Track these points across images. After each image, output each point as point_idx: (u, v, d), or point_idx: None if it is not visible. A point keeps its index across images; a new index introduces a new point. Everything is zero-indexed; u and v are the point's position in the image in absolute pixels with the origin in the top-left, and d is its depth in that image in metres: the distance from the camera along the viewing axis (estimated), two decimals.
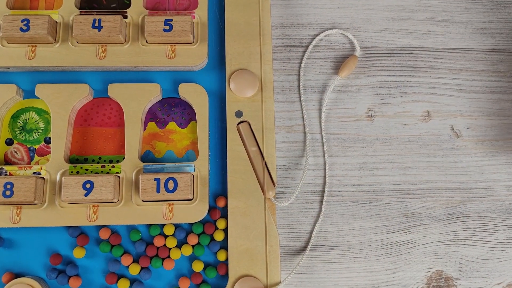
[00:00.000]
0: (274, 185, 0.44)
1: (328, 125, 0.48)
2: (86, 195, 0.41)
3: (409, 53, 0.51)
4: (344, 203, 0.47)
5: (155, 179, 0.42)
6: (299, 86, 0.48)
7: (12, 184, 0.41)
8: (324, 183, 0.47)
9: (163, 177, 0.42)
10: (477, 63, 0.51)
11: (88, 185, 0.41)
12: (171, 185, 0.42)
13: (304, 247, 0.45)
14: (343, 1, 0.52)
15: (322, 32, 0.50)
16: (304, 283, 0.45)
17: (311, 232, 0.46)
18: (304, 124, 0.47)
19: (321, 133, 0.48)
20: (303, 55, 0.49)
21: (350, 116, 0.49)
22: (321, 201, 0.46)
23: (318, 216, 0.46)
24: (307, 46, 0.50)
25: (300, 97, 0.48)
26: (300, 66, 0.48)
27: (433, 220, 0.47)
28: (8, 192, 0.41)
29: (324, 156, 0.47)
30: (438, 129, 0.49)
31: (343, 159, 0.47)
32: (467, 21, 0.52)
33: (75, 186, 0.41)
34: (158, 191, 0.41)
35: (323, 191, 0.47)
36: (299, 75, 0.48)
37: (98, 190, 0.41)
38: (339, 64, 0.50)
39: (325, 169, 0.47)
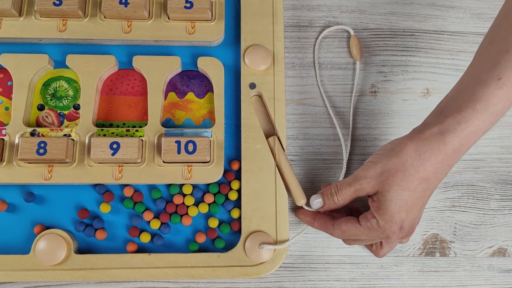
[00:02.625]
0: (304, 195, 0.47)
1: (334, 99, 0.52)
2: (112, 154, 0.45)
3: (411, 35, 0.54)
4: (349, 171, 0.50)
5: (176, 142, 0.45)
6: (314, 63, 0.52)
7: (45, 143, 0.45)
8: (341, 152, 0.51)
9: (183, 140, 0.45)
10: (474, 45, 0.54)
11: (114, 146, 0.45)
12: (190, 147, 0.45)
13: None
14: None
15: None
16: (310, 242, 0.49)
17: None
18: (323, 98, 0.51)
19: (326, 106, 0.51)
20: (317, 36, 0.53)
21: (354, 91, 0.53)
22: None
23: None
24: (318, 27, 0.54)
25: (316, 74, 0.52)
26: (315, 44, 0.52)
27: None
28: (42, 151, 0.44)
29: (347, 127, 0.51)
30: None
31: (346, 131, 0.51)
32: (466, 7, 0.56)
33: (103, 146, 0.45)
34: (178, 152, 0.45)
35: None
36: (314, 52, 0.52)
37: (124, 151, 0.45)
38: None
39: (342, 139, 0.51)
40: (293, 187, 0.47)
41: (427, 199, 0.41)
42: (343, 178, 0.46)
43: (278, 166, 0.48)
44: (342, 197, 0.43)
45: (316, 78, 0.52)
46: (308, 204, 0.46)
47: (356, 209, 0.48)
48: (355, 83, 0.52)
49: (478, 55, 0.41)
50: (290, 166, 0.48)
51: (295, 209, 0.49)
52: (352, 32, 0.53)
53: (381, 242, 0.45)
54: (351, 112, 0.51)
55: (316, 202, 0.44)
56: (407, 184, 0.39)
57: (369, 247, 0.47)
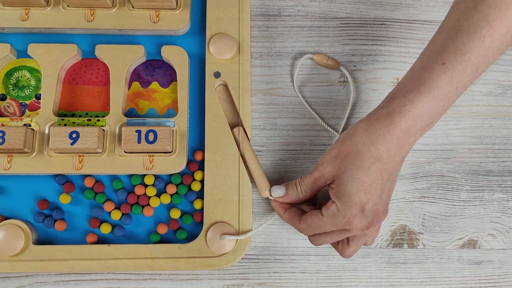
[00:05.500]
0: (269, 184, 0.46)
1: (303, 89, 0.51)
2: (72, 144, 0.44)
3: (381, 24, 0.54)
4: (314, 160, 0.50)
5: (136, 131, 0.45)
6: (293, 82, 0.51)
7: (3, 133, 0.44)
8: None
9: (144, 129, 0.45)
10: None
11: (74, 135, 0.44)
12: (151, 136, 0.45)
13: None
14: None
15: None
16: (275, 233, 0.48)
17: None
18: (295, 88, 0.50)
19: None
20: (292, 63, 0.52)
21: (323, 81, 0.52)
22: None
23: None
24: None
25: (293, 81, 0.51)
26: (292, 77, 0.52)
27: (398, 178, 0.49)
28: (0, 140, 0.44)
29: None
30: None
31: (314, 121, 0.50)
32: None
33: (62, 135, 0.44)
34: (139, 142, 0.44)
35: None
36: (293, 81, 0.51)
37: (84, 140, 0.44)
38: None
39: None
40: (258, 177, 0.46)
41: (387, 184, 0.41)
42: None
43: (242, 157, 0.47)
44: (304, 187, 0.43)
45: (293, 82, 0.51)
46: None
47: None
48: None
49: (429, 43, 0.42)
50: (255, 156, 0.47)
51: (260, 200, 0.48)
52: (312, 56, 0.52)
53: (347, 239, 0.44)
54: (350, 103, 0.51)
55: (277, 191, 0.44)
56: (360, 162, 0.40)
57: (335, 245, 0.46)
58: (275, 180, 0.49)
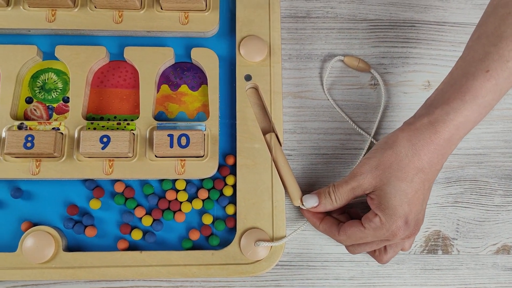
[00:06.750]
0: (301, 192, 0.45)
1: (333, 92, 0.51)
2: (102, 148, 0.43)
3: (411, 26, 0.53)
4: (346, 165, 0.49)
5: (168, 135, 0.44)
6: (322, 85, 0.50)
7: (33, 137, 0.43)
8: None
9: (176, 133, 0.44)
10: None
11: (105, 139, 0.43)
12: (183, 141, 0.44)
13: None
14: None
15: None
16: (308, 239, 0.47)
17: None
18: (324, 91, 0.49)
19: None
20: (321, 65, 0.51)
21: (354, 84, 0.51)
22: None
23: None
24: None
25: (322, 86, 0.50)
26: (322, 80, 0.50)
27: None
28: (29, 144, 0.43)
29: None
30: None
31: (346, 124, 0.50)
32: None
33: (92, 139, 0.43)
34: (171, 146, 0.44)
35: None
36: (322, 84, 0.50)
37: (114, 144, 0.43)
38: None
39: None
40: (290, 185, 0.45)
41: (427, 192, 0.40)
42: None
43: (275, 163, 0.46)
44: (339, 196, 0.42)
45: (322, 84, 0.51)
46: None
47: (357, 215, 0.46)
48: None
49: (467, 49, 0.41)
50: (287, 163, 0.46)
51: (292, 205, 0.47)
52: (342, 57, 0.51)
53: (385, 247, 0.43)
54: (382, 106, 0.50)
55: (310, 201, 0.43)
56: (404, 174, 0.39)
57: (372, 253, 0.45)
58: (306, 185, 0.48)
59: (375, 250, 0.44)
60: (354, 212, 0.46)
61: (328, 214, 0.45)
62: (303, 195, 0.45)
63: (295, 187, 0.45)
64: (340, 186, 0.42)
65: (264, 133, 0.47)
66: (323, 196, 0.43)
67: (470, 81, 0.38)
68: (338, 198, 0.42)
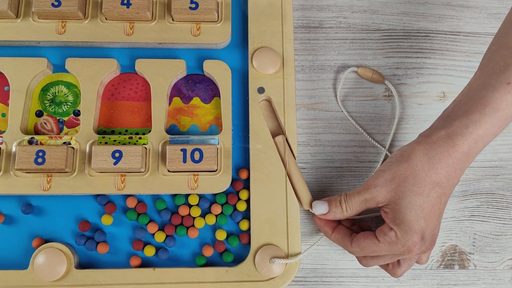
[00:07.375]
0: (311, 197, 0.45)
1: (346, 103, 0.50)
2: (115, 164, 0.42)
3: (425, 36, 0.52)
4: (361, 178, 0.48)
5: (181, 150, 0.43)
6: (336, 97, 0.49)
7: (44, 152, 0.42)
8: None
9: (189, 148, 0.43)
10: None
11: (117, 154, 0.43)
12: (197, 155, 0.43)
13: None
14: None
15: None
16: (322, 254, 0.46)
17: None
18: (338, 103, 0.48)
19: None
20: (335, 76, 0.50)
21: (368, 95, 0.50)
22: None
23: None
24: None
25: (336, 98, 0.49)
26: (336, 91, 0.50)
27: None
28: (40, 160, 0.42)
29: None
30: None
31: (360, 136, 0.49)
32: (482, 6, 0.53)
33: (104, 154, 0.43)
34: (184, 161, 0.43)
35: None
36: (336, 95, 0.49)
37: (127, 159, 0.43)
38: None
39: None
40: (300, 189, 0.45)
41: (443, 207, 0.40)
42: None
43: (284, 166, 0.45)
44: (351, 206, 0.41)
45: (336, 98, 0.50)
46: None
47: (367, 228, 0.45)
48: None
49: (486, 60, 0.40)
50: (297, 167, 0.45)
51: (306, 220, 0.46)
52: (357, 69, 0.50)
53: (398, 261, 0.43)
54: (396, 118, 0.49)
55: (320, 207, 0.42)
56: (420, 189, 0.38)
57: (385, 267, 0.44)
58: (320, 198, 0.47)
59: (388, 264, 0.44)
60: (365, 225, 0.45)
61: (339, 223, 0.44)
62: (313, 200, 0.44)
63: (305, 191, 0.45)
64: (352, 196, 0.41)
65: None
66: (334, 204, 0.42)
67: (490, 93, 0.38)
68: (349, 208, 0.41)
